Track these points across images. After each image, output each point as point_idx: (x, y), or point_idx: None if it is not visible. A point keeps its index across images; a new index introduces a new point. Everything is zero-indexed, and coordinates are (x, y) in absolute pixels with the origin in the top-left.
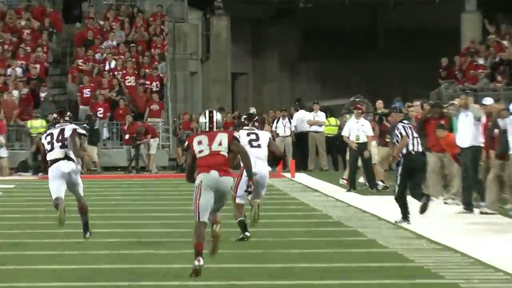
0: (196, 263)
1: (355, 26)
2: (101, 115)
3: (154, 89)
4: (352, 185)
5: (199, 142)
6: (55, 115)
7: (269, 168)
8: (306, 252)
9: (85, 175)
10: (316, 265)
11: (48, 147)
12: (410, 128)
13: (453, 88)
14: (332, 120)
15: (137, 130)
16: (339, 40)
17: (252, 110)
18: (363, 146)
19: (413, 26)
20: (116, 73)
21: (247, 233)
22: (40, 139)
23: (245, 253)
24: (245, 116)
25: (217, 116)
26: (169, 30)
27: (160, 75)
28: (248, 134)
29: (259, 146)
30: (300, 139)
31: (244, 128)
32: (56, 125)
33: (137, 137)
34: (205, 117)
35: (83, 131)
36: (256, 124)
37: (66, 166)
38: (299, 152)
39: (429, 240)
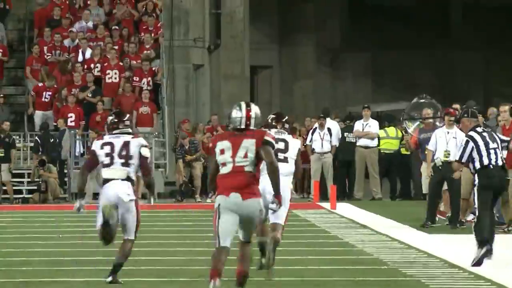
0: (212, 284)
1: (420, 2)
2: (72, 124)
3: (145, 87)
4: (432, 218)
5: (222, 151)
6: (111, 118)
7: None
8: None
9: (51, 205)
10: None
11: (105, 160)
12: (485, 137)
13: None
14: (391, 131)
15: None
16: (398, 21)
17: None
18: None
19: (501, 1)
20: (92, 65)
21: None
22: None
23: None
24: (273, 116)
25: (255, 109)
26: (165, 7)
27: (153, 68)
28: (276, 141)
29: (285, 160)
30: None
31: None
32: (114, 132)
33: None
34: (241, 110)
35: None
36: (287, 126)
37: (124, 192)
38: (342, 175)
39: None
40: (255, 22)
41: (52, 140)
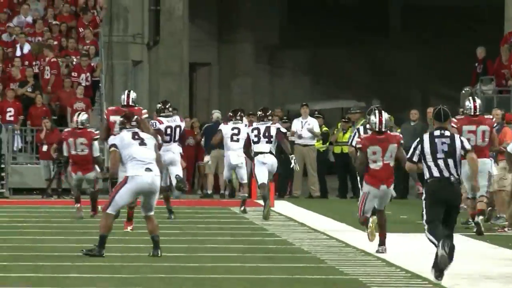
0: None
1: (361, 0)
2: (11, 118)
3: (84, 83)
4: None
5: (374, 153)
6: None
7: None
8: None
9: None
10: None
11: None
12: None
13: (492, 88)
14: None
15: (60, 138)
16: (336, 19)
17: (216, 114)
18: None
19: (440, 3)
20: (28, 61)
21: None
22: None
23: None
24: (231, 112)
25: (385, 115)
26: (105, 2)
27: (92, 64)
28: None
29: (237, 140)
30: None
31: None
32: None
33: (60, 148)
34: (375, 116)
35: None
36: (238, 117)
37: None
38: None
39: None
40: (194, 19)
41: None
